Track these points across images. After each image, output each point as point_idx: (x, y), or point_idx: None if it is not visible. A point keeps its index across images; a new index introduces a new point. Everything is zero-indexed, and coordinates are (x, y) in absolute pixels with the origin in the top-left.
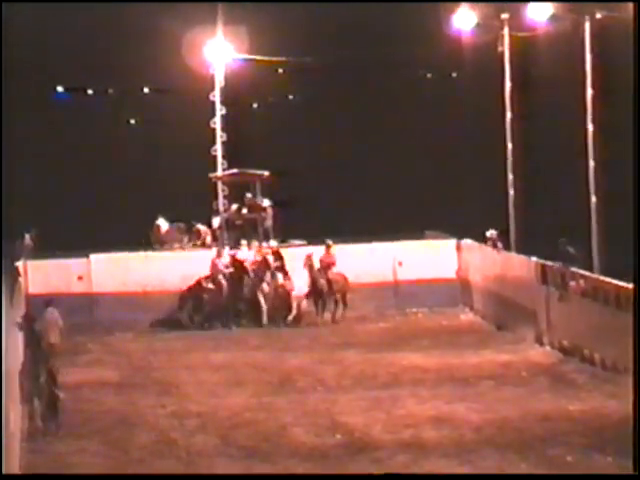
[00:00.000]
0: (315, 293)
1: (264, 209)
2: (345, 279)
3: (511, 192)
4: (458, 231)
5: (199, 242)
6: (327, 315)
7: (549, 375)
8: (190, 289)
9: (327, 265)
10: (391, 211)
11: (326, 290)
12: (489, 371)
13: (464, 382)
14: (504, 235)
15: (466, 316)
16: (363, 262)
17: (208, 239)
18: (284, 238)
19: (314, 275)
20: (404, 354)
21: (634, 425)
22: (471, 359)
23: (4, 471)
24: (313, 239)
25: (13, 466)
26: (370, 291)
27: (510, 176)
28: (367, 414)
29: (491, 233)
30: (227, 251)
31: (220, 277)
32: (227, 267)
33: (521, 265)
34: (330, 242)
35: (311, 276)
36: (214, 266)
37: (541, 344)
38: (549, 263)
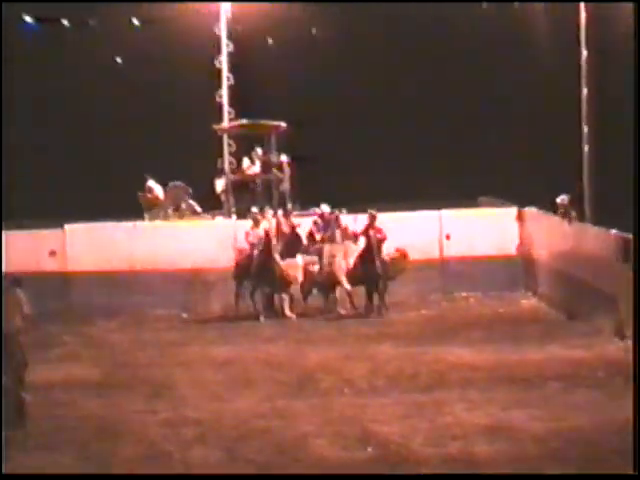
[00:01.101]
0: (367, 278)
1: (280, 168)
2: (405, 256)
3: (585, 148)
4: (519, 198)
5: (185, 209)
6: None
7: (631, 376)
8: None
9: (378, 242)
10: (435, 172)
11: (381, 274)
12: (556, 370)
13: (525, 384)
14: (577, 202)
15: (529, 302)
16: (401, 234)
17: (198, 207)
18: (305, 204)
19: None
20: (451, 348)
21: (634, 425)
22: (534, 355)
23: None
24: (340, 205)
25: None
26: (410, 270)
27: (585, 128)
28: (405, 422)
29: (562, 199)
30: (234, 221)
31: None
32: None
33: (598, 239)
34: (374, 211)
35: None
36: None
37: (622, 337)
38: (630, 236)
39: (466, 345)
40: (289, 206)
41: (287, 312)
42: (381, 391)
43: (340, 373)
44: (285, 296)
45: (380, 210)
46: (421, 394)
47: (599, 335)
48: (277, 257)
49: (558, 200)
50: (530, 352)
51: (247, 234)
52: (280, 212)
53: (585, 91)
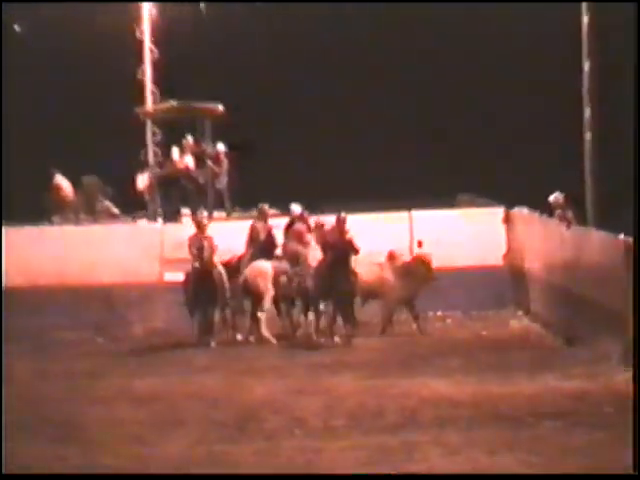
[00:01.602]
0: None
1: (217, 160)
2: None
3: (587, 136)
4: (505, 197)
5: (100, 210)
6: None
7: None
8: None
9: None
10: (405, 165)
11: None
12: (552, 406)
13: (514, 422)
14: (574, 202)
15: (519, 323)
16: (364, 241)
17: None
18: (246, 204)
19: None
20: (424, 380)
21: (634, 424)
22: (525, 388)
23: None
24: (289, 205)
25: None
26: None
27: (586, 112)
28: (368, 470)
29: (556, 197)
30: (161, 225)
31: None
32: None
33: (604, 246)
34: (343, 214)
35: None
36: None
37: (633, 365)
38: None
39: (442, 376)
40: (227, 206)
41: (264, 332)
42: (339, 432)
43: (289, 411)
44: (260, 314)
45: (335, 211)
46: (388, 436)
47: (604, 363)
48: (220, 268)
49: (551, 199)
50: (520, 384)
51: (191, 242)
52: (256, 212)
53: (587, 66)
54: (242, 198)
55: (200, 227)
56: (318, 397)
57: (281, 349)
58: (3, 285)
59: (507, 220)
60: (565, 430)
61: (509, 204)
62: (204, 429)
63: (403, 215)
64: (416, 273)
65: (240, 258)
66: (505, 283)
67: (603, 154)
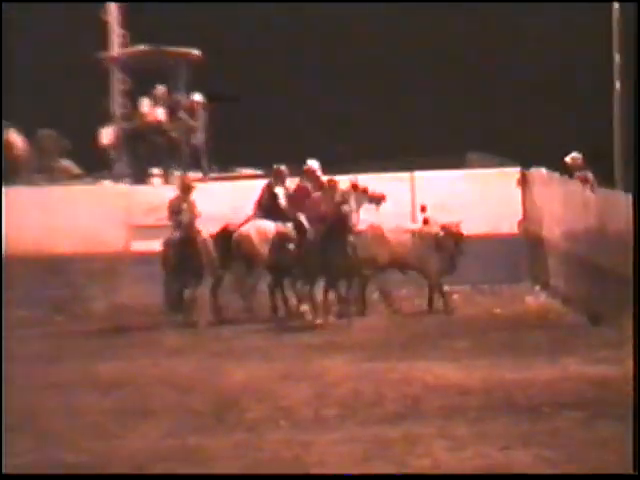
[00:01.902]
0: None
1: (192, 112)
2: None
3: (617, 84)
4: (520, 155)
5: (58, 170)
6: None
7: None
8: None
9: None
10: (407, 119)
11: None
12: (575, 394)
13: (530, 413)
14: (598, 162)
15: (536, 299)
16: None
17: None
18: (225, 163)
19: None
20: (428, 364)
21: (634, 422)
22: (544, 373)
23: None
24: (269, 165)
25: None
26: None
27: (616, 57)
28: (365, 467)
29: (573, 158)
30: (128, 186)
31: None
32: None
33: (633, 212)
34: (311, 162)
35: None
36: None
37: None
38: None
39: (449, 359)
40: (204, 165)
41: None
42: (331, 423)
43: (274, 398)
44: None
45: (329, 172)
46: (386, 427)
47: (632, 345)
48: (205, 237)
49: (568, 159)
50: (537, 369)
51: (172, 207)
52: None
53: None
54: (221, 156)
55: (184, 189)
56: (307, 383)
57: (266, 328)
58: None
59: (523, 182)
60: (587, 422)
61: (525, 164)
62: (177, 419)
63: (404, 176)
64: (445, 244)
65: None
66: (520, 254)
67: (636, 106)
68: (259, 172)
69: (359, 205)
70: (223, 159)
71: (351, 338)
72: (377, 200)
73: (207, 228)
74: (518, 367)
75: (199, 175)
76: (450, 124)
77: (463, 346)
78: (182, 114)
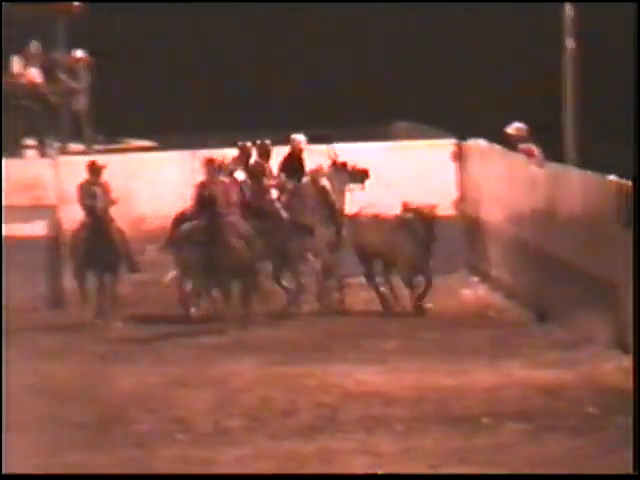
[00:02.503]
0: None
1: (73, 72)
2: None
3: (568, 43)
4: (458, 125)
5: None
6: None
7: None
8: None
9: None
10: (326, 85)
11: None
12: (520, 403)
13: (468, 425)
14: (545, 133)
15: (474, 292)
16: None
17: None
18: (112, 133)
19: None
20: (349, 368)
21: (634, 422)
22: (483, 379)
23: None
24: (172, 136)
25: None
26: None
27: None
28: None
29: (517, 129)
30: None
31: None
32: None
33: (588, 191)
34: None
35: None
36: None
37: (626, 350)
38: None
39: (374, 362)
40: (87, 135)
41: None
42: (236, 437)
43: (169, 408)
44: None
45: (232, 144)
46: (300, 441)
47: (588, 346)
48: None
49: (510, 130)
50: (476, 374)
51: (82, 191)
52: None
53: None
54: (107, 125)
55: (93, 171)
56: (208, 390)
57: (160, 327)
58: None
59: (459, 156)
60: (534, 435)
61: (461, 135)
62: (54, 434)
63: (321, 148)
64: (415, 231)
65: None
66: (456, 239)
67: (588, 71)
68: (151, 144)
69: (342, 185)
70: (110, 128)
71: (260, 337)
72: (360, 177)
73: None
74: (453, 372)
75: (81, 147)
76: (373, 90)
77: (389, 347)
78: (61, 75)
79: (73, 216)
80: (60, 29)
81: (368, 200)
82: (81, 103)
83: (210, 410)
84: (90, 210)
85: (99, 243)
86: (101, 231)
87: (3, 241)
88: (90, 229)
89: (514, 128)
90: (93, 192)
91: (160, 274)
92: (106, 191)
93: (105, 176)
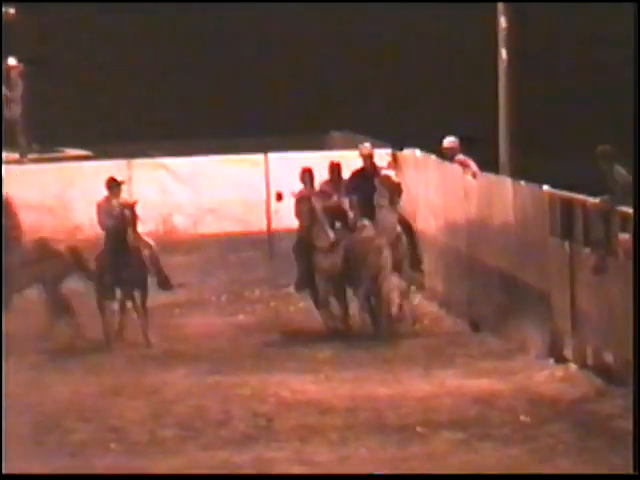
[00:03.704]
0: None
1: (8, 79)
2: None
3: (502, 53)
4: (393, 135)
5: None
6: None
7: (574, 422)
8: None
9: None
10: (261, 95)
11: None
12: (453, 412)
13: (402, 434)
14: (479, 145)
15: (409, 301)
16: (201, 191)
17: None
18: (47, 142)
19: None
20: (285, 377)
21: (634, 424)
22: (419, 387)
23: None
24: (108, 145)
25: None
26: (219, 248)
27: (501, 21)
28: None
29: (451, 142)
30: None
31: None
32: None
33: (522, 201)
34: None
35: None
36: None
37: (559, 359)
38: (577, 196)
39: (308, 371)
40: (21, 143)
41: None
42: (170, 446)
43: (104, 418)
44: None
45: (165, 153)
46: (234, 451)
47: (521, 355)
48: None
49: (446, 143)
50: (410, 383)
51: (100, 209)
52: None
53: None
54: (42, 133)
55: (112, 187)
56: (142, 400)
57: (95, 337)
58: None
59: (394, 165)
60: (468, 444)
61: (396, 145)
62: None
63: (258, 158)
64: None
65: None
66: None
67: (523, 81)
68: (87, 153)
69: None
70: (45, 137)
71: (194, 346)
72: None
73: (25, 218)
74: (388, 381)
75: (16, 155)
76: (310, 99)
77: (324, 356)
78: None
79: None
80: None
81: None
82: (15, 111)
83: (144, 420)
84: (112, 230)
85: (124, 261)
86: (125, 249)
87: None
88: (112, 250)
89: (448, 141)
90: (113, 210)
91: None
92: (129, 207)
93: (39, 185)
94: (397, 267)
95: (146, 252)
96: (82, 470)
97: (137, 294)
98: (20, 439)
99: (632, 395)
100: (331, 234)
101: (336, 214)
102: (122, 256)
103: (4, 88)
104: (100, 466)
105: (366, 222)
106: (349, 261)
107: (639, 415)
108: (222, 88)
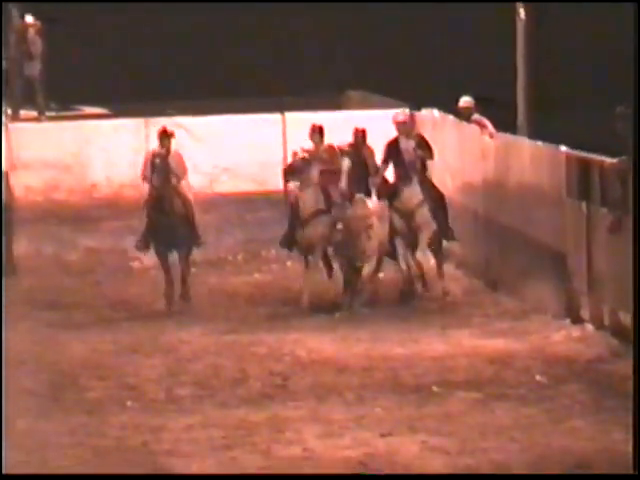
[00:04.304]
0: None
1: (24, 36)
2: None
3: (521, 13)
4: (411, 95)
5: None
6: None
7: (590, 382)
8: None
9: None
10: (276, 54)
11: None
12: (470, 373)
13: (418, 394)
14: (495, 106)
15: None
16: (218, 151)
17: None
18: (65, 100)
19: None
20: (301, 336)
21: (634, 422)
22: (433, 348)
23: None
24: (126, 104)
25: None
26: (236, 208)
27: None
28: (224, 455)
29: (466, 102)
30: None
31: None
32: None
33: (538, 162)
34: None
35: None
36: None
37: (575, 320)
38: (594, 157)
39: (325, 330)
40: (40, 102)
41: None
42: (186, 405)
43: (120, 376)
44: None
45: (184, 112)
46: (250, 409)
47: (538, 315)
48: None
49: (461, 104)
50: (426, 343)
51: (149, 159)
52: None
53: None
54: (61, 91)
55: (163, 139)
56: (158, 358)
57: (108, 295)
58: None
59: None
60: (484, 404)
61: (415, 105)
62: (5, 400)
63: (275, 118)
64: None
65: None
66: None
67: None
68: (105, 111)
69: None
70: (63, 95)
71: (209, 305)
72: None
73: (44, 176)
74: (404, 340)
75: (34, 113)
76: (327, 59)
77: (341, 315)
78: (12, 39)
79: (25, 182)
80: None
81: None
82: (35, 69)
83: (160, 378)
84: (152, 184)
85: (161, 219)
86: (163, 207)
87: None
88: (151, 205)
89: (464, 101)
90: (155, 163)
91: (115, 242)
92: (177, 162)
93: (57, 143)
94: (431, 242)
95: (183, 207)
96: (99, 427)
97: (178, 252)
98: (37, 397)
99: (633, 391)
100: (320, 202)
101: (332, 180)
102: (159, 214)
103: (21, 44)
104: (116, 423)
105: (361, 196)
106: (335, 232)
107: (639, 412)
108: (240, 48)
